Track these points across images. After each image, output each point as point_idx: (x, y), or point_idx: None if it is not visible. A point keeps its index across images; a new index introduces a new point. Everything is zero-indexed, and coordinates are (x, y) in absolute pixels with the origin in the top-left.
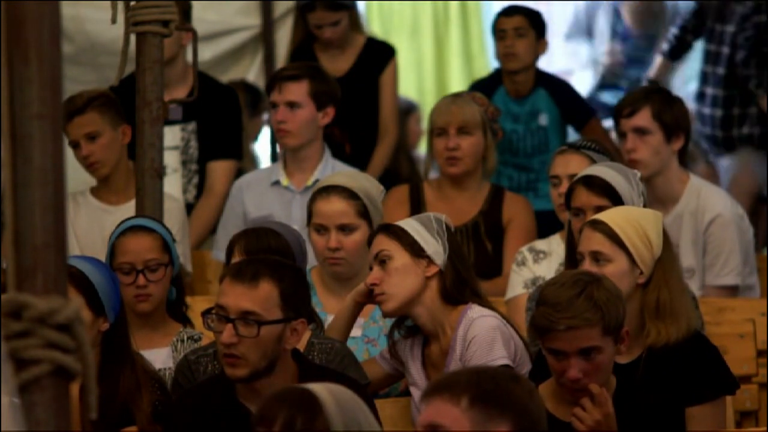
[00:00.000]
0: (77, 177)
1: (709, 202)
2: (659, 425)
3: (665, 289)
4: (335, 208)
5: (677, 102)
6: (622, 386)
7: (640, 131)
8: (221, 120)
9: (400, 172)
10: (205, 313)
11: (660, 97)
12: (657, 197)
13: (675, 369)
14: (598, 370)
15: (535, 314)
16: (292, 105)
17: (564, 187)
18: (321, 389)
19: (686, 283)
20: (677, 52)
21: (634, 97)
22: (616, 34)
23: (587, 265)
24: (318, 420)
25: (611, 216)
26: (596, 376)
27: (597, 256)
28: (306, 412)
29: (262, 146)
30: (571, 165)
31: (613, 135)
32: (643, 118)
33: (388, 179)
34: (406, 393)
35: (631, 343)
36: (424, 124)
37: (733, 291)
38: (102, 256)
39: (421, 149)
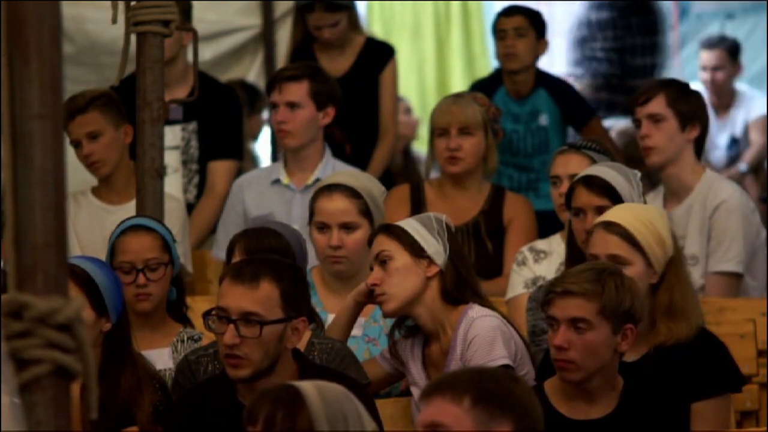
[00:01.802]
0: (78, 177)
1: (718, 189)
2: (665, 424)
3: (678, 289)
4: (338, 206)
5: (693, 93)
6: (629, 387)
7: (654, 118)
8: (222, 120)
9: (390, 167)
10: (206, 315)
11: (676, 87)
12: (671, 189)
13: (682, 365)
14: (586, 348)
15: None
16: (292, 105)
17: (564, 187)
18: (307, 386)
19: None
20: None
21: (650, 85)
22: None
23: None
24: (300, 416)
25: (622, 216)
26: (583, 356)
27: (615, 260)
28: (287, 407)
29: (262, 146)
30: (571, 165)
31: (613, 137)
32: (658, 105)
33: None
34: (407, 393)
35: (639, 340)
36: (424, 129)
37: (735, 279)
38: (103, 256)
39: (421, 147)
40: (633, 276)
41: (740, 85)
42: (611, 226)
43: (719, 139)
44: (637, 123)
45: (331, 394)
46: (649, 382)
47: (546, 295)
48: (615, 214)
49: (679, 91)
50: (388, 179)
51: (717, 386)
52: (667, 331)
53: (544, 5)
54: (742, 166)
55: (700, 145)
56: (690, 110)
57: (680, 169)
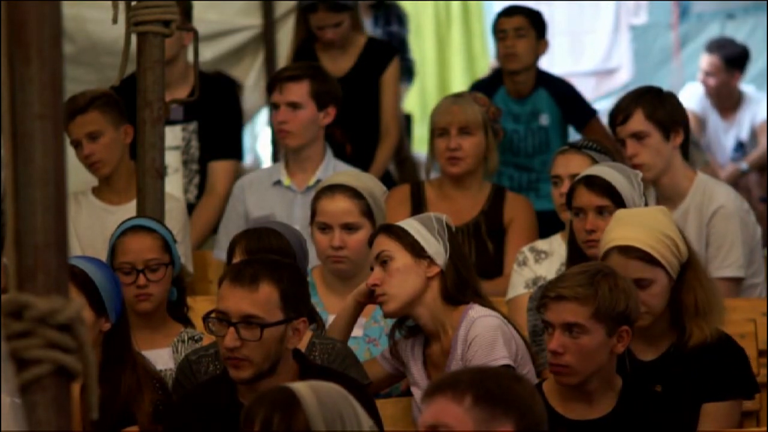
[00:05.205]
0: (78, 177)
1: (713, 194)
2: (664, 425)
3: (701, 288)
4: (340, 206)
5: (669, 97)
6: (628, 387)
7: (637, 136)
8: (222, 120)
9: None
10: (206, 318)
11: (650, 97)
12: (665, 195)
13: (700, 367)
14: (580, 352)
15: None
16: (293, 105)
17: (565, 187)
18: (302, 387)
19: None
20: None
21: (625, 102)
22: None
23: None
24: (296, 418)
25: (636, 236)
26: (578, 360)
27: (639, 283)
28: (284, 410)
29: (263, 146)
30: (572, 165)
31: None
32: (638, 122)
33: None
34: (407, 393)
35: (657, 341)
36: (425, 129)
37: (736, 283)
38: (103, 256)
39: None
40: (658, 293)
41: (746, 87)
42: (629, 251)
43: (725, 140)
44: (622, 142)
45: (327, 394)
46: (666, 380)
47: (541, 299)
48: (626, 235)
49: (654, 101)
50: (388, 180)
51: (731, 390)
52: (700, 332)
53: (544, 5)
54: (743, 165)
55: (685, 147)
56: (669, 117)
57: (673, 177)
